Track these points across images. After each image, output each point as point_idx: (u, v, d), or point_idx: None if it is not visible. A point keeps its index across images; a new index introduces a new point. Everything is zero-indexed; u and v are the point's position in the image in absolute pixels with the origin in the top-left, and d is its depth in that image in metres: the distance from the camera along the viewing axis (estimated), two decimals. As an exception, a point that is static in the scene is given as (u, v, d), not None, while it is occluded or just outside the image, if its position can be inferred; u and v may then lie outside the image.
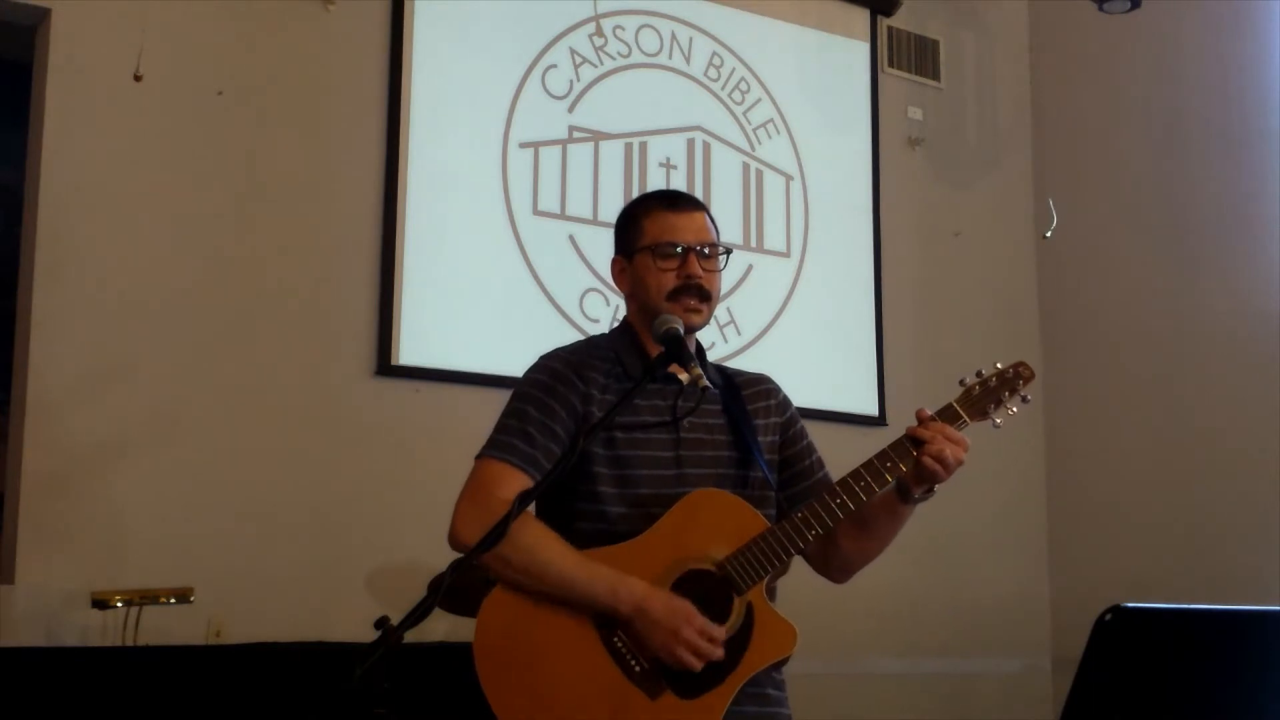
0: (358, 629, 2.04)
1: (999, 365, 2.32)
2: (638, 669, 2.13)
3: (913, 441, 2.22)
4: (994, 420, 2.29)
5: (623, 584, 2.13)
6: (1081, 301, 5.81)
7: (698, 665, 2.11)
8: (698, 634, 2.11)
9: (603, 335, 2.46)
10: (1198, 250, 5.36)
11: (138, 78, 4.11)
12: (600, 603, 2.13)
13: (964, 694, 5.37)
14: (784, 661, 2.23)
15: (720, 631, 2.14)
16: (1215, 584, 4.78)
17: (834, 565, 2.40)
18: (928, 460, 2.19)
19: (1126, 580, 5.18)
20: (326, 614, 4.02)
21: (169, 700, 2.88)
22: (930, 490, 2.26)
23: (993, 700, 5.39)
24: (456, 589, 1.93)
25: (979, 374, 2.31)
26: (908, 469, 2.22)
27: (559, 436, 2.24)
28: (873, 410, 5.40)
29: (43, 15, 4.15)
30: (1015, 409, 2.30)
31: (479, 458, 2.25)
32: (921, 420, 2.24)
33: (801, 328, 5.33)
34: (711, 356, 2.53)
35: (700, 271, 2.31)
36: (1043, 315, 5.95)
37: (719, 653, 2.12)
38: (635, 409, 2.23)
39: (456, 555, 2.18)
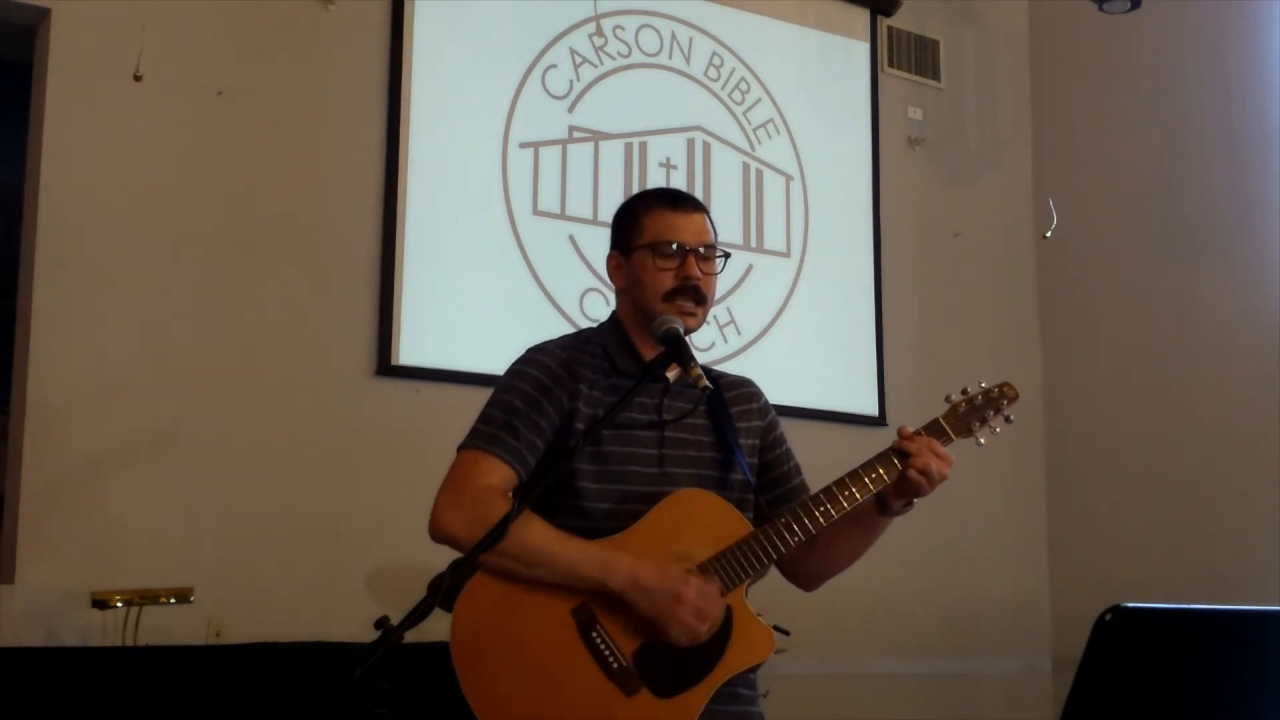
0: (358, 629, 2.04)
1: (984, 384, 2.34)
2: (615, 665, 2.12)
3: (898, 454, 2.23)
4: (977, 439, 2.32)
5: (612, 558, 2.12)
6: (1081, 301, 5.81)
7: (703, 629, 2.11)
8: (699, 596, 2.11)
9: (591, 329, 2.45)
10: (1198, 250, 5.36)
11: (138, 78, 4.10)
12: (590, 579, 2.11)
13: (964, 694, 5.37)
14: (758, 665, 2.22)
15: (715, 588, 2.13)
16: (1215, 584, 4.79)
17: (805, 573, 2.40)
18: (913, 473, 2.21)
19: (1126, 580, 5.18)
20: (326, 614, 4.02)
21: (169, 700, 2.88)
22: (909, 504, 2.27)
23: (993, 700, 5.40)
24: (456, 589, 1.93)
25: (965, 391, 2.33)
26: (891, 480, 2.22)
27: (544, 432, 2.24)
28: (873, 410, 5.40)
29: (43, 15, 4.15)
30: (999, 428, 2.33)
31: (461, 448, 2.24)
32: (905, 436, 2.24)
33: (801, 328, 5.33)
34: (711, 356, 2.54)
35: (698, 273, 2.31)
36: (1043, 315, 5.95)
37: (720, 611, 2.12)
38: (622, 406, 2.23)
39: (457, 555, 2.18)
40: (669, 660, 2.13)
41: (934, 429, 2.28)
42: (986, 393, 2.32)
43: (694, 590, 2.11)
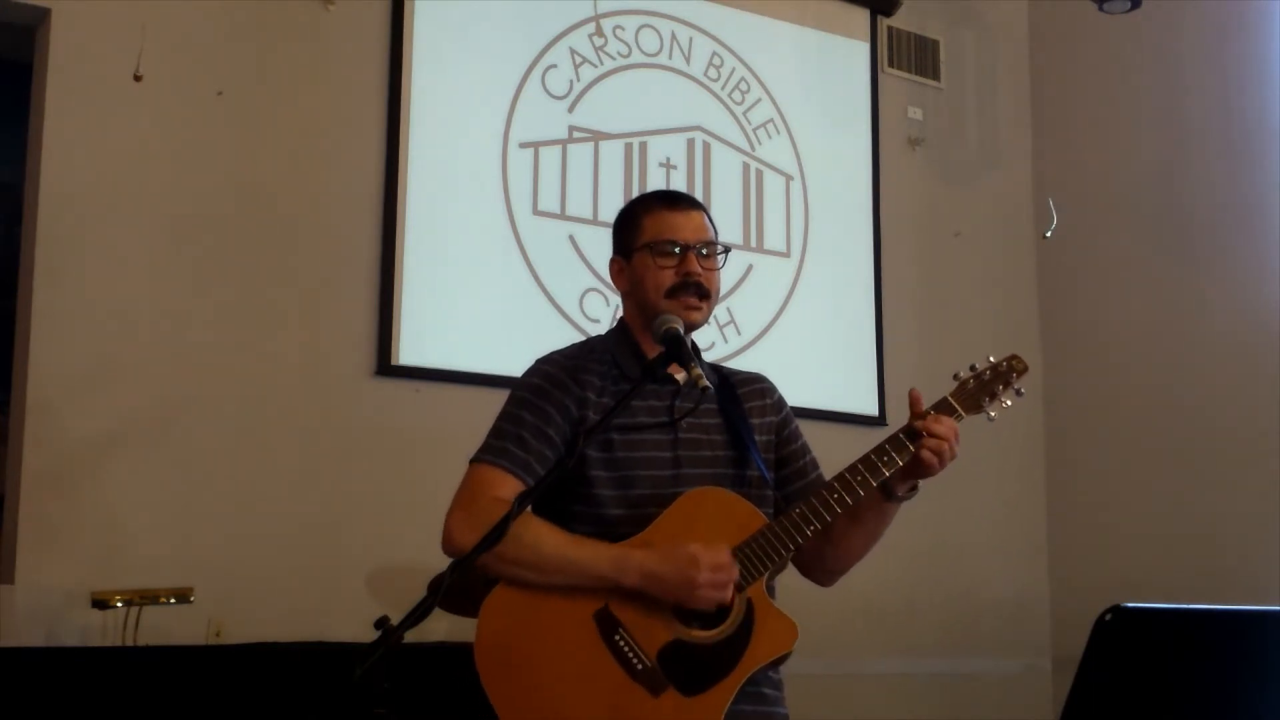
0: (358, 629, 2.04)
1: (992, 359, 2.33)
2: (640, 667, 2.12)
3: (909, 435, 2.23)
4: (988, 413, 2.31)
5: (623, 555, 2.14)
6: (1081, 301, 5.81)
7: (728, 595, 2.12)
8: (711, 570, 2.11)
9: (598, 337, 2.46)
10: (1198, 250, 5.36)
11: (138, 78, 4.11)
12: (605, 578, 2.13)
13: (964, 694, 5.36)
14: (784, 658, 2.22)
15: (726, 554, 2.14)
16: (1215, 584, 4.78)
17: (821, 567, 2.40)
18: (926, 454, 2.20)
19: (1126, 580, 5.17)
20: (326, 614, 4.02)
21: (169, 700, 2.88)
22: (914, 488, 2.27)
23: (993, 700, 5.39)
24: (456, 589, 1.93)
25: (973, 367, 2.32)
26: (904, 463, 2.22)
27: (554, 441, 2.24)
28: (873, 410, 5.40)
29: (43, 15, 4.15)
30: (1009, 402, 2.32)
31: (472, 462, 2.25)
32: (917, 409, 2.24)
33: (801, 328, 5.33)
34: (711, 356, 2.54)
35: (699, 269, 2.31)
36: (1043, 315, 5.95)
37: (735, 573, 2.13)
38: (632, 410, 2.23)
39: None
40: (694, 658, 2.14)
41: (943, 407, 2.27)
42: (995, 366, 2.32)
43: (705, 565, 2.11)
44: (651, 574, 2.12)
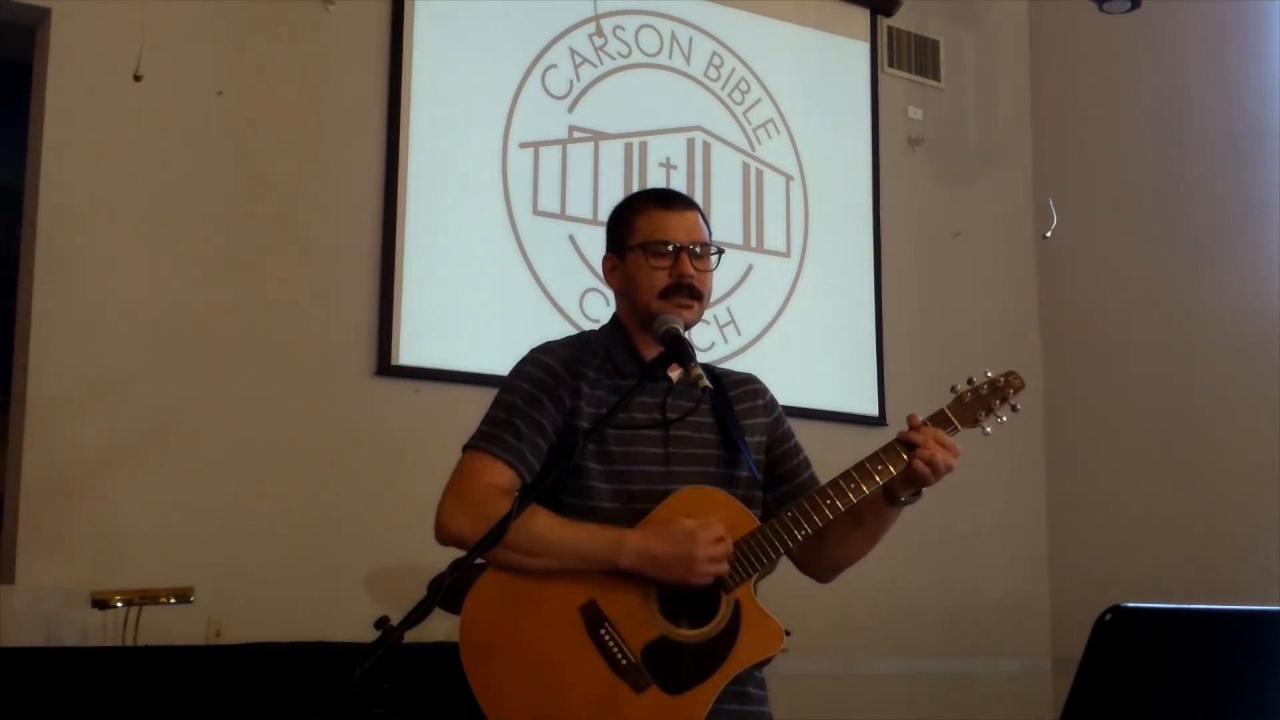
0: (358, 629, 2.04)
1: (990, 374, 2.34)
2: (624, 662, 2.12)
3: (904, 445, 2.23)
4: (984, 428, 2.32)
5: (620, 536, 2.14)
6: (1081, 301, 5.81)
7: (726, 570, 2.13)
8: (708, 544, 2.12)
9: (593, 331, 2.46)
10: (1198, 250, 5.36)
11: (138, 78, 4.11)
12: (601, 559, 2.13)
13: (964, 694, 5.37)
14: (768, 660, 2.23)
15: (721, 528, 2.15)
16: (1215, 584, 4.79)
17: (819, 565, 2.41)
18: (919, 464, 2.21)
19: (1126, 580, 5.18)
20: (326, 614, 4.02)
21: (169, 700, 2.88)
22: (917, 494, 2.28)
23: (993, 700, 5.39)
24: (456, 589, 1.93)
25: (970, 381, 2.33)
26: (897, 472, 2.23)
27: (546, 431, 2.24)
28: (873, 410, 5.41)
29: (43, 15, 4.15)
30: (1005, 417, 2.33)
31: (465, 449, 2.25)
32: (914, 426, 2.25)
33: (801, 328, 5.33)
34: (711, 356, 2.54)
35: (692, 270, 2.31)
36: (1043, 315, 5.95)
37: (729, 546, 2.14)
38: (626, 406, 2.23)
39: (456, 555, 2.18)
40: (678, 656, 2.14)
41: (940, 419, 2.28)
42: (992, 382, 2.33)
43: (702, 539, 2.13)
44: (648, 553, 2.12)
